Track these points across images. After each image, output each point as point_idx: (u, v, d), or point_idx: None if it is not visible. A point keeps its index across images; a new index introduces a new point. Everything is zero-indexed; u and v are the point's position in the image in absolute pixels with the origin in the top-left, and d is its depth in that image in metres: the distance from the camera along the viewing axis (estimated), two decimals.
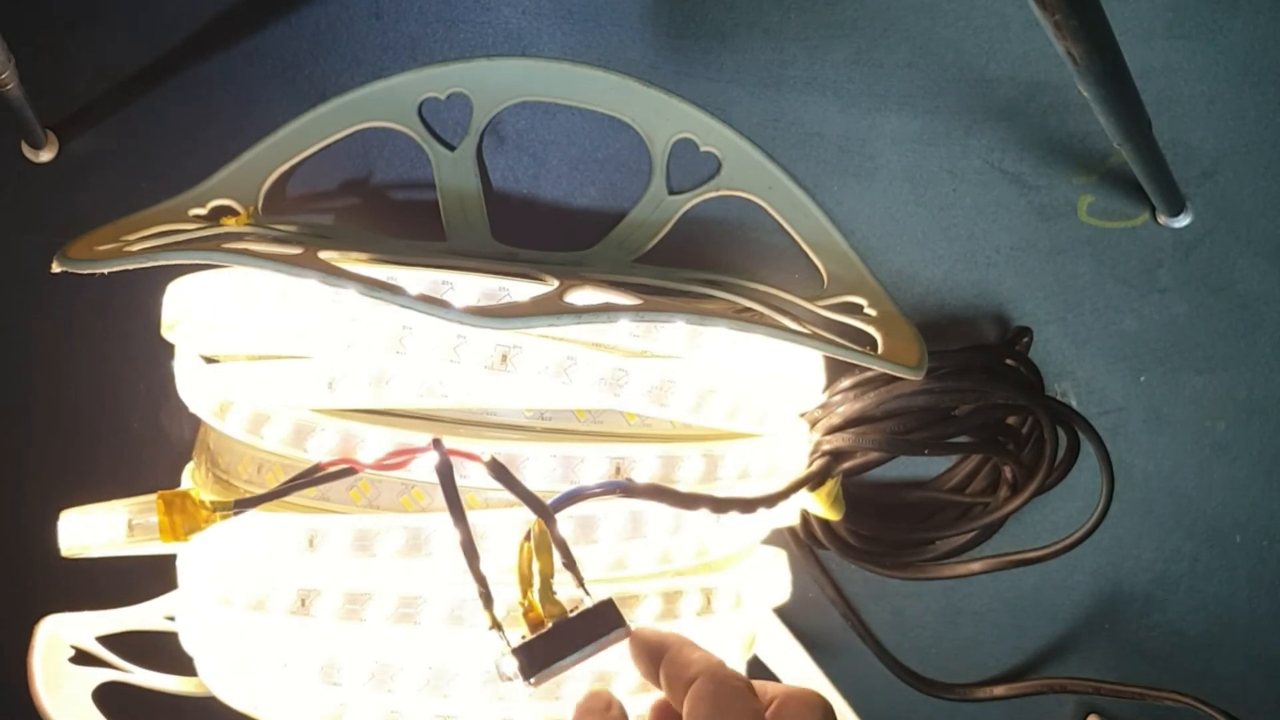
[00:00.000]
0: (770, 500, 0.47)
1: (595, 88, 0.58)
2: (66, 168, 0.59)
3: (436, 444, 0.42)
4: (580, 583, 0.41)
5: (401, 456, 0.43)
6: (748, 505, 0.46)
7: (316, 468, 0.44)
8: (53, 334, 0.60)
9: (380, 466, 0.44)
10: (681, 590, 0.47)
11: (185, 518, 0.44)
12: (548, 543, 0.41)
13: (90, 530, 0.46)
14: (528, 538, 0.41)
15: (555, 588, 0.41)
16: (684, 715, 0.39)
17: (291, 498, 0.46)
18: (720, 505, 0.45)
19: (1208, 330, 0.59)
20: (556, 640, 0.40)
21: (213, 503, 0.44)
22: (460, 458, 0.42)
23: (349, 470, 0.44)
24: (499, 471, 0.42)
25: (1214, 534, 0.60)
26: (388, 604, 0.44)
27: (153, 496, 0.45)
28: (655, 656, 0.41)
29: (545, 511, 0.41)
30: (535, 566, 0.41)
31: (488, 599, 0.40)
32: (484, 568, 0.43)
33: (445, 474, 0.41)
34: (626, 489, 0.43)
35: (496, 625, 0.40)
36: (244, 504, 0.44)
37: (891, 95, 0.58)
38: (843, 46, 0.58)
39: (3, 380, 0.60)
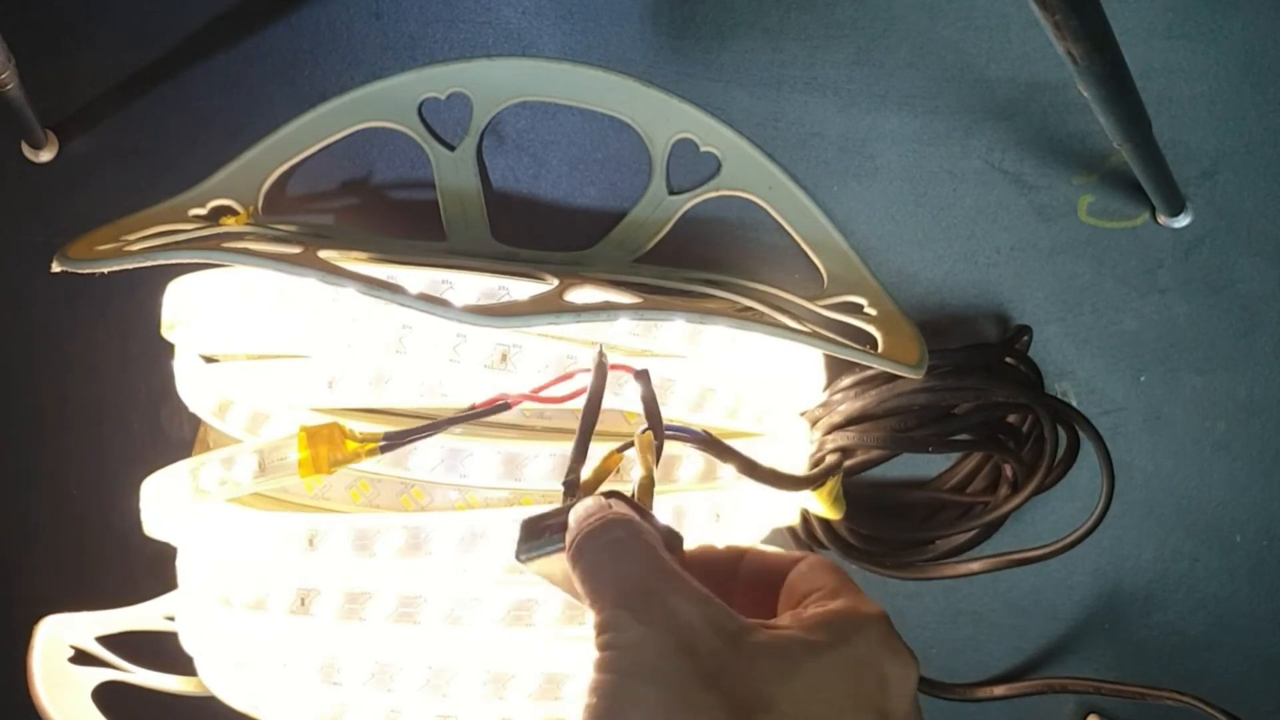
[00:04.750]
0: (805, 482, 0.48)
1: (595, 88, 0.58)
2: (66, 168, 0.59)
3: (600, 353, 0.41)
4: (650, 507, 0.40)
5: (561, 382, 0.42)
6: (797, 483, 0.47)
7: (471, 407, 0.42)
8: (53, 334, 0.60)
9: (538, 397, 0.42)
10: None
11: (331, 449, 0.41)
12: (652, 447, 0.39)
13: (202, 478, 0.43)
14: (621, 449, 0.40)
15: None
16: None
17: (291, 497, 0.46)
18: (782, 481, 0.46)
19: (1208, 330, 0.59)
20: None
21: (361, 435, 0.42)
22: (618, 370, 0.41)
23: (504, 406, 0.42)
24: (645, 382, 0.41)
25: (1214, 534, 0.60)
26: (388, 604, 0.44)
27: (289, 435, 0.42)
28: None
29: (661, 430, 0.40)
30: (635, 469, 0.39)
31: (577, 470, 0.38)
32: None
33: (600, 373, 0.40)
34: (705, 441, 0.42)
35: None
36: (393, 437, 0.41)
37: (891, 95, 0.58)
38: (843, 46, 0.58)
39: (3, 380, 0.60)
